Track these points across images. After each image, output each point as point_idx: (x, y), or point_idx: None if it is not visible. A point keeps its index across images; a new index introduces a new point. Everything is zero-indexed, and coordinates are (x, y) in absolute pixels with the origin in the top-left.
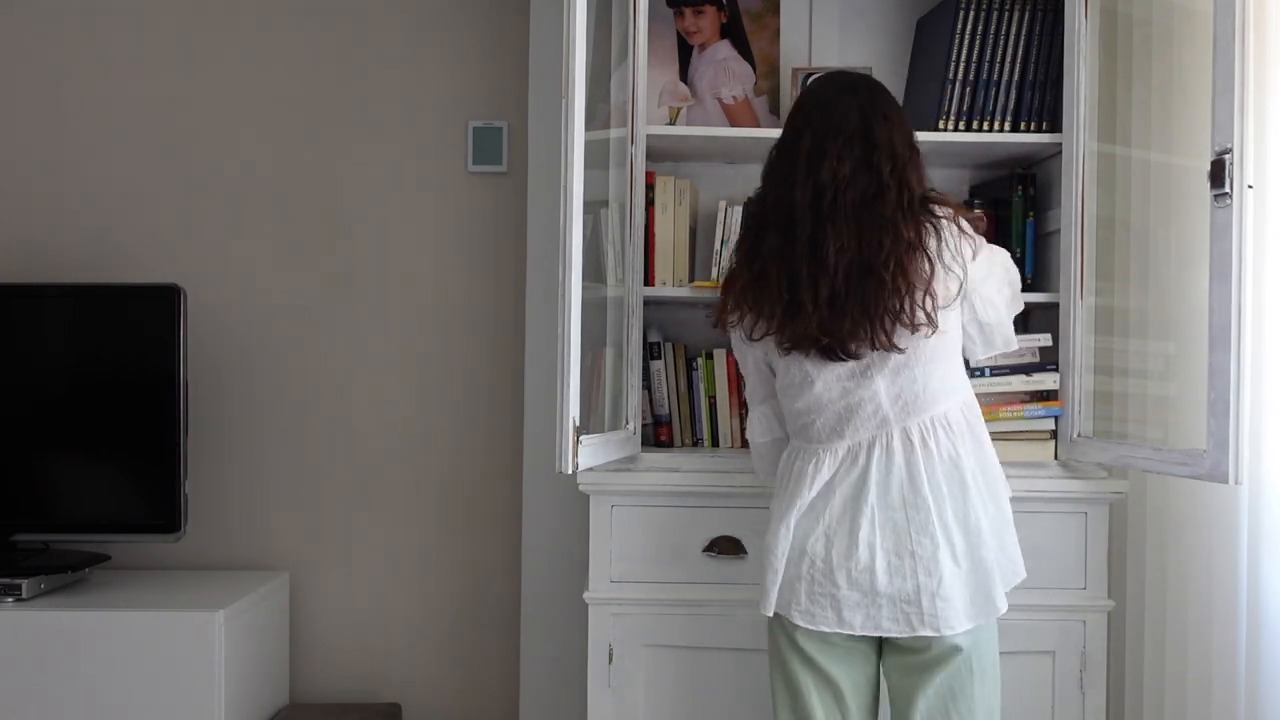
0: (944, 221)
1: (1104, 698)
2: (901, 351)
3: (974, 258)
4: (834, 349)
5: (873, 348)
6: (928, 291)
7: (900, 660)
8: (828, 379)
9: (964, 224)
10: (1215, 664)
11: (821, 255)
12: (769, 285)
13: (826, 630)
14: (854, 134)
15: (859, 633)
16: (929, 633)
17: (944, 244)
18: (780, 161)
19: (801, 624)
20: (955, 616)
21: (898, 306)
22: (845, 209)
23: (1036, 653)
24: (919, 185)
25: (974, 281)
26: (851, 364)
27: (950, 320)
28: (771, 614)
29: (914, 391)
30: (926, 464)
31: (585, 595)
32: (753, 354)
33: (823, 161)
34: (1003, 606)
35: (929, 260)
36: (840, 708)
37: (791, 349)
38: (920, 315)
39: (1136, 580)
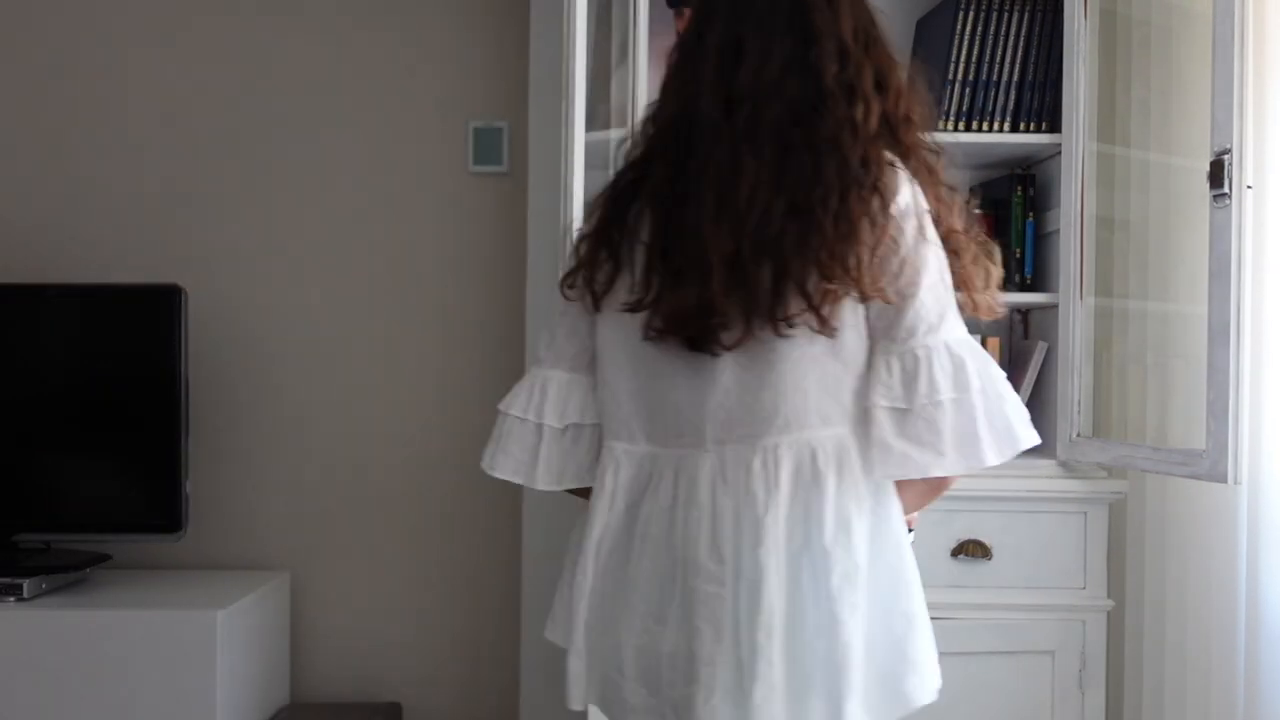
0: (899, 173)
1: (1104, 698)
2: (830, 333)
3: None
4: (704, 337)
5: (773, 327)
6: (873, 257)
7: None
8: (662, 365)
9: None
10: (1215, 664)
11: (729, 192)
12: (637, 237)
13: None
14: (784, 24)
15: None
16: None
17: (889, 205)
18: (680, 62)
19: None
20: None
21: (841, 265)
22: (767, 126)
23: (1036, 653)
24: (883, 97)
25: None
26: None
27: (859, 317)
28: (578, 705)
29: (789, 398)
30: (734, 511)
31: None
32: (574, 310)
33: (740, 60)
34: None
35: (886, 215)
36: None
37: (655, 332)
38: (881, 280)
39: (1136, 580)
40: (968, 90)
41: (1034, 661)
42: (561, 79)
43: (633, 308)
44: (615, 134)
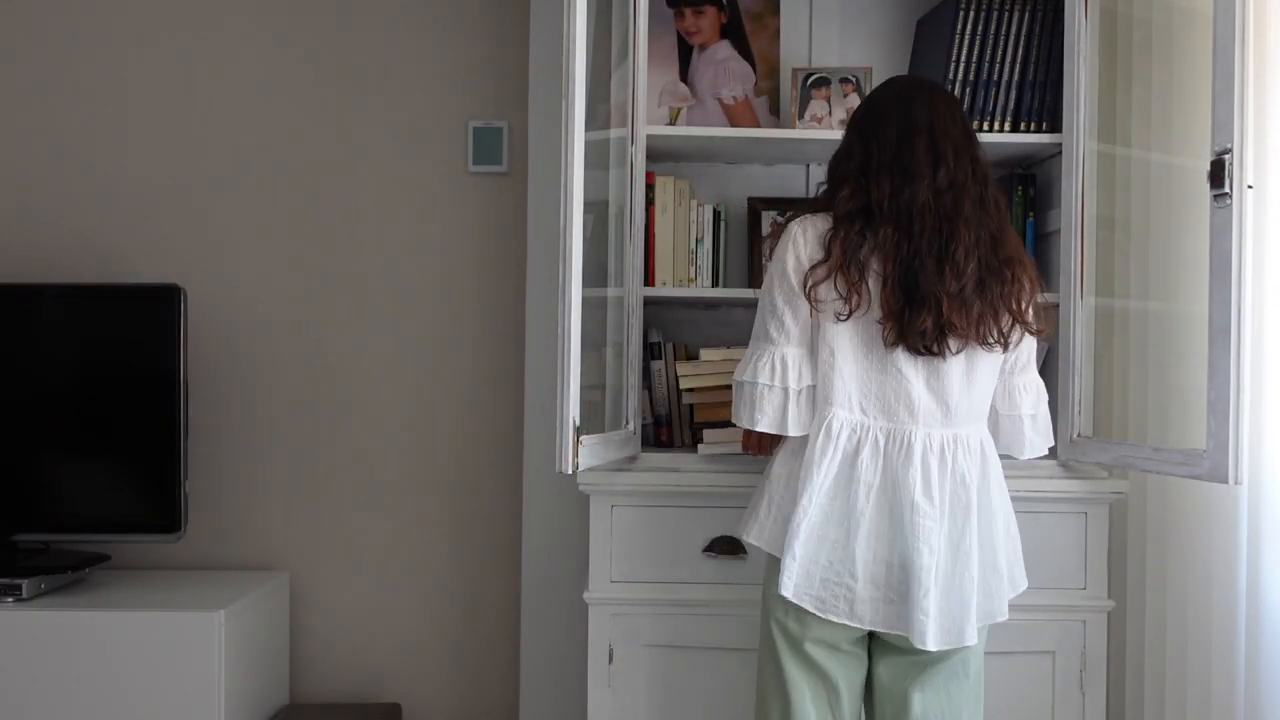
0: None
1: (1104, 698)
2: (1005, 348)
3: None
4: (935, 343)
5: (983, 343)
6: (1030, 301)
7: (898, 659)
8: (874, 356)
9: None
10: (1215, 664)
11: (951, 253)
12: (887, 280)
13: (835, 621)
14: (961, 143)
15: (839, 621)
16: (903, 633)
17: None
18: (890, 160)
19: (817, 613)
20: (929, 634)
21: (1018, 308)
22: (966, 212)
23: (1036, 653)
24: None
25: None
26: (912, 356)
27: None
28: (790, 596)
29: (950, 402)
30: (951, 477)
31: (585, 595)
32: (805, 308)
33: (941, 163)
34: (971, 640)
35: (1029, 276)
36: (834, 711)
37: (896, 344)
38: (1029, 318)
39: (1136, 580)
40: (968, 90)
41: (1035, 662)
42: (561, 79)
43: (880, 321)
44: (615, 134)
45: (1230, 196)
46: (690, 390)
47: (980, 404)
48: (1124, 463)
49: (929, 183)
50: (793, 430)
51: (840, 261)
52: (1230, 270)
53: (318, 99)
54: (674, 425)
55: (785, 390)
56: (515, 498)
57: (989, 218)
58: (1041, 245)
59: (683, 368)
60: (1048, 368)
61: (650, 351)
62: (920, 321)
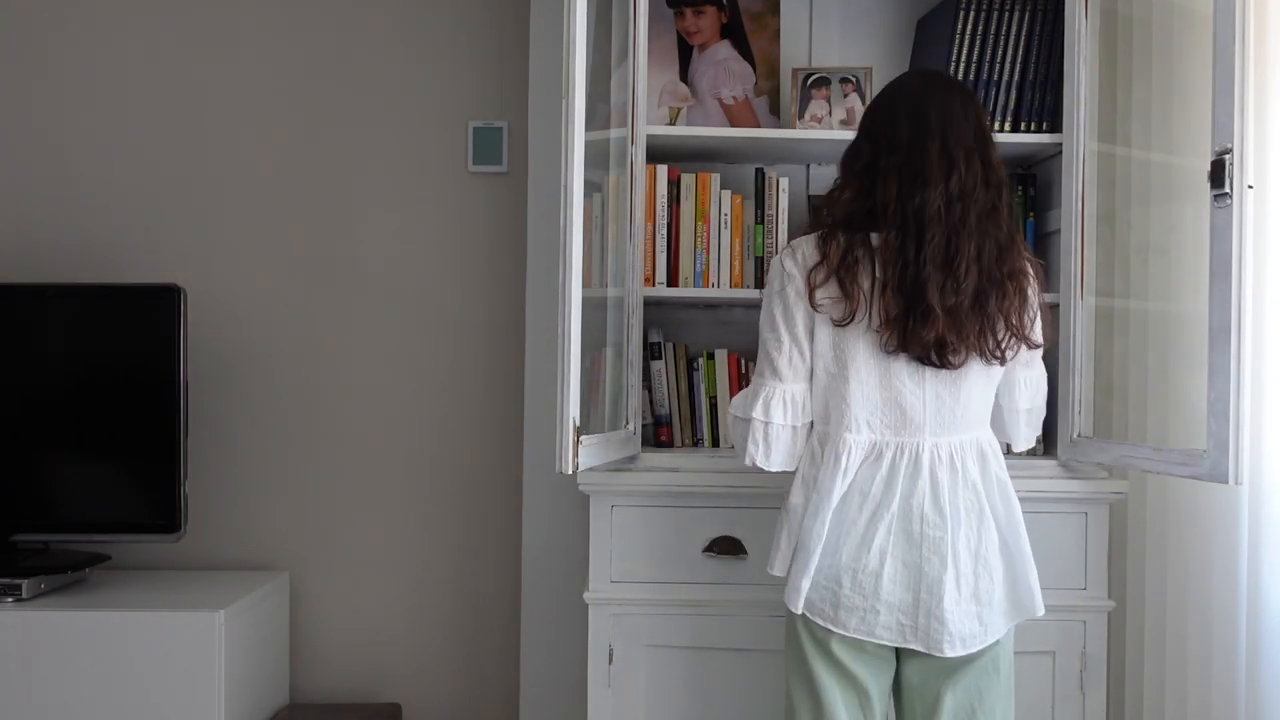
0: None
1: (1104, 698)
2: (1002, 363)
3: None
4: (937, 356)
5: (982, 357)
6: (1028, 313)
7: (926, 663)
8: (877, 371)
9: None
10: (1215, 664)
11: (954, 265)
12: (887, 285)
13: (841, 633)
14: (972, 147)
15: (852, 635)
16: (918, 647)
17: (1037, 286)
18: (899, 161)
19: (821, 623)
20: (946, 641)
21: (1017, 322)
22: (973, 221)
23: (1036, 653)
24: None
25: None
26: (903, 363)
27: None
28: (800, 611)
29: (956, 409)
30: (952, 484)
31: (585, 595)
32: (800, 328)
33: (953, 169)
34: (993, 639)
35: (1033, 287)
36: (866, 714)
37: (896, 351)
38: (1033, 334)
39: (1136, 580)
40: None
41: (1035, 662)
42: (561, 79)
43: (878, 330)
44: (615, 134)
45: (1230, 196)
46: None
47: (982, 408)
48: (1124, 463)
49: (941, 190)
50: (795, 465)
51: (837, 264)
52: (1230, 270)
53: (318, 99)
54: (674, 425)
55: (794, 429)
56: (515, 498)
57: (997, 228)
58: (1041, 245)
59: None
60: (1047, 368)
61: (650, 351)
62: (924, 332)
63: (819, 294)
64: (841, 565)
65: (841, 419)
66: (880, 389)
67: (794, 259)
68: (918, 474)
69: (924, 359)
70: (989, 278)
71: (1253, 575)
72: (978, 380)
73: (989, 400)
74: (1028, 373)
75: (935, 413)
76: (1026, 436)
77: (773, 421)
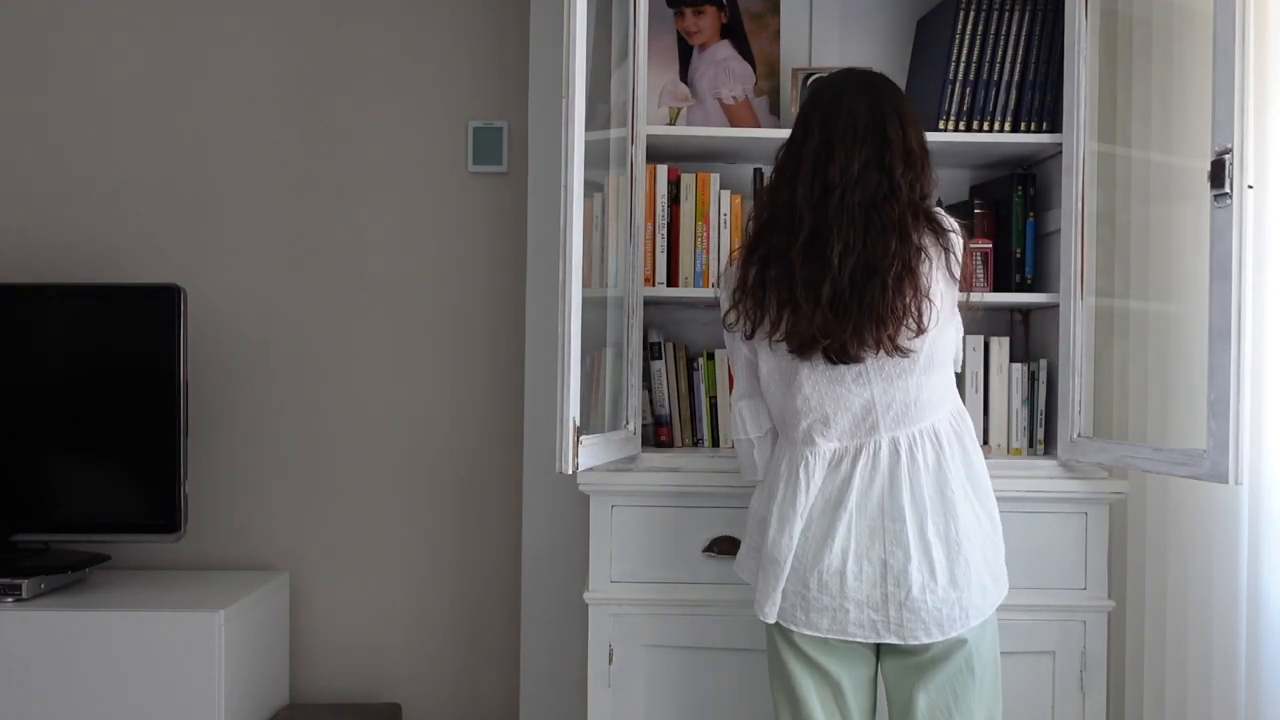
0: (953, 236)
1: (1104, 698)
2: (905, 355)
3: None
4: (835, 351)
5: (876, 351)
6: (928, 297)
7: (899, 661)
8: (818, 381)
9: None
10: (1215, 664)
11: (825, 255)
12: (769, 285)
13: (812, 634)
14: (865, 132)
15: (824, 635)
16: (894, 640)
17: (952, 255)
18: (787, 159)
19: (796, 629)
20: (921, 628)
21: (900, 311)
22: (851, 209)
23: (1036, 653)
24: (929, 190)
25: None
26: (844, 368)
27: (949, 331)
28: (774, 621)
29: (905, 401)
30: (911, 475)
31: (585, 595)
32: (744, 352)
33: (831, 159)
34: (976, 621)
35: (933, 267)
36: (841, 708)
37: (793, 351)
38: (925, 320)
39: (1136, 580)
40: (968, 90)
41: (1035, 662)
42: (561, 79)
43: (784, 339)
44: (615, 134)
45: (1230, 196)
46: None
47: (932, 394)
48: (1124, 463)
49: (814, 181)
50: (764, 474)
51: (740, 282)
52: (1230, 270)
53: (318, 98)
54: (674, 425)
55: (751, 441)
56: (515, 498)
57: (887, 211)
58: (1041, 245)
59: None
60: (1048, 366)
61: (650, 351)
62: (802, 328)
63: (728, 317)
64: (806, 567)
65: (795, 432)
66: (824, 397)
67: (723, 288)
68: (875, 471)
69: (829, 358)
70: (869, 267)
71: (1253, 575)
72: (907, 374)
73: (938, 384)
74: (954, 329)
75: (885, 409)
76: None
77: (739, 439)
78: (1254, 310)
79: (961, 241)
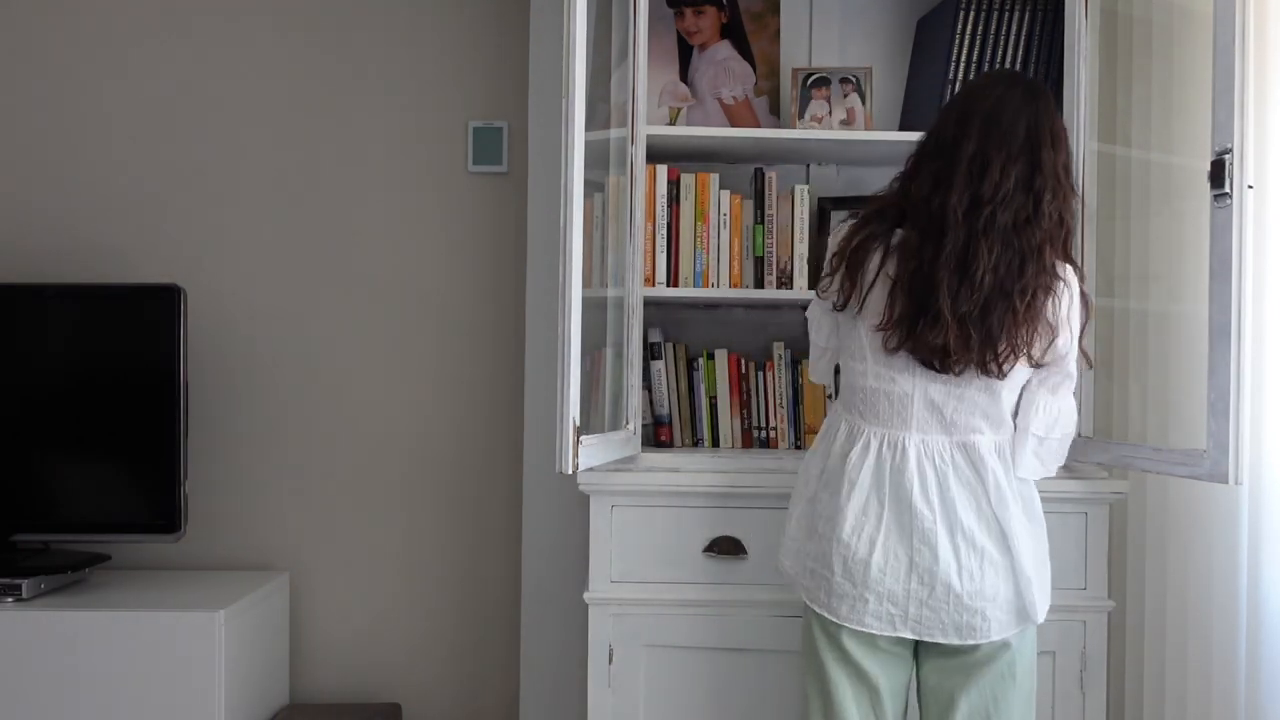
0: (1077, 283)
1: (1104, 698)
2: (1003, 377)
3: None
4: (939, 362)
5: (981, 371)
6: (1053, 330)
7: (943, 662)
8: (899, 367)
9: (1088, 298)
10: (1215, 664)
11: (970, 270)
12: (897, 283)
13: (858, 629)
14: (1019, 150)
15: (875, 632)
16: (908, 635)
17: (1073, 301)
18: (939, 157)
19: (826, 615)
20: (940, 629)
21: (1020, 341)
22: (1000, 228)
23: (1037, 653)
24: (1071, 222)
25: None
26: (912, 363)
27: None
28: (841, 622)
29: (946, 410)
30: (939, 480)
31: (585, 595)
32: (831, 317)
33: (985, 172)
34: (998, 635)
35: (1056, 304)
36: (876, 710)
37: (898, 350)
38: (1035, 350)
39: (1136, 580)
40: None
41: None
42: (561, 79)
43: (879, 328)
44: (615, 134)
45: (1230, 196)
46: None
47: (985, 414)
48: (1124, 463)
49: (967, 193)
50: (825, 381)
51: (845, 255)
52: (1230, 270)
53: (317, 99)
54: (674, 425)
55: (823, 350)
56: (515, 498)
57: (1027, 236)
58: None
59: None
60: None
61: (650, 351)
62: (932, 337)
63: (826, 281)
64: (833, 550)
65: (844, 402)
66: (876, 380)
67: (833, 238)
68: (904, 467)
69: (927, 362)
70: (1001, 289)
71: (1253, 575)
72: (980, 388)
73: (995, 409)
74: (1050, 398)
75: (924, 409)
76: (1030, 466)
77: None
78: (1254, 310)
79: (1081, 293)
